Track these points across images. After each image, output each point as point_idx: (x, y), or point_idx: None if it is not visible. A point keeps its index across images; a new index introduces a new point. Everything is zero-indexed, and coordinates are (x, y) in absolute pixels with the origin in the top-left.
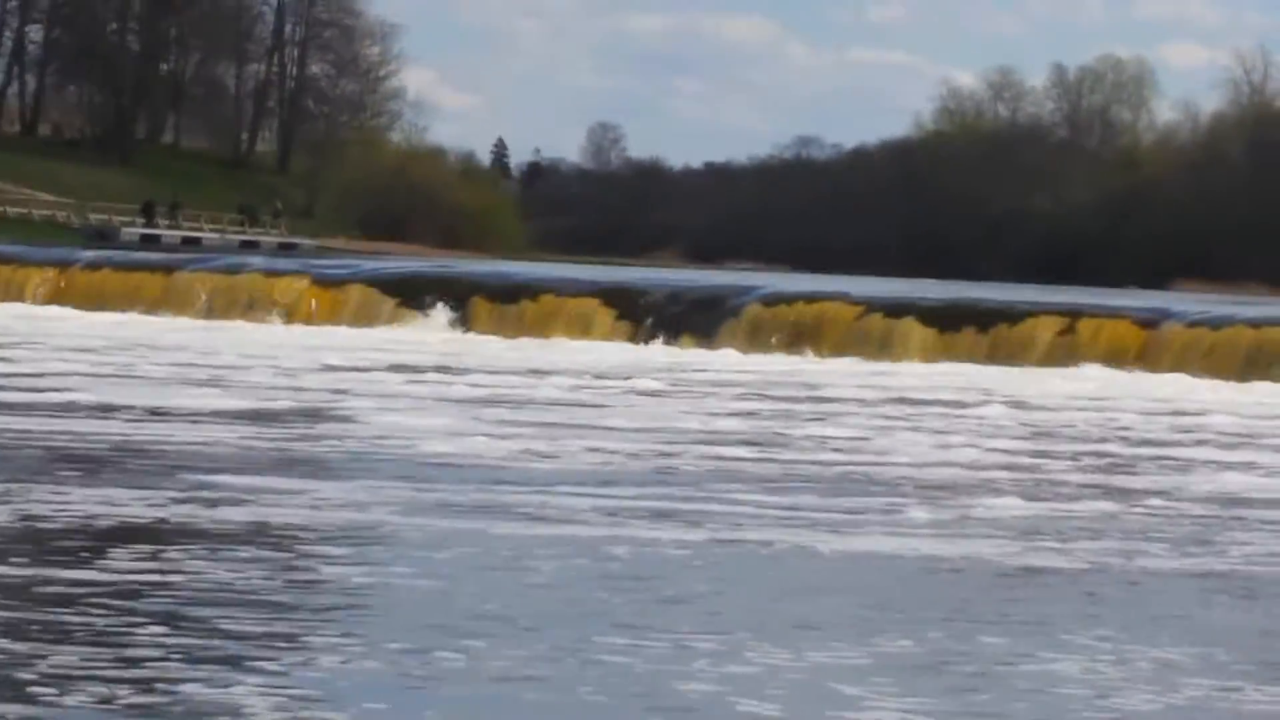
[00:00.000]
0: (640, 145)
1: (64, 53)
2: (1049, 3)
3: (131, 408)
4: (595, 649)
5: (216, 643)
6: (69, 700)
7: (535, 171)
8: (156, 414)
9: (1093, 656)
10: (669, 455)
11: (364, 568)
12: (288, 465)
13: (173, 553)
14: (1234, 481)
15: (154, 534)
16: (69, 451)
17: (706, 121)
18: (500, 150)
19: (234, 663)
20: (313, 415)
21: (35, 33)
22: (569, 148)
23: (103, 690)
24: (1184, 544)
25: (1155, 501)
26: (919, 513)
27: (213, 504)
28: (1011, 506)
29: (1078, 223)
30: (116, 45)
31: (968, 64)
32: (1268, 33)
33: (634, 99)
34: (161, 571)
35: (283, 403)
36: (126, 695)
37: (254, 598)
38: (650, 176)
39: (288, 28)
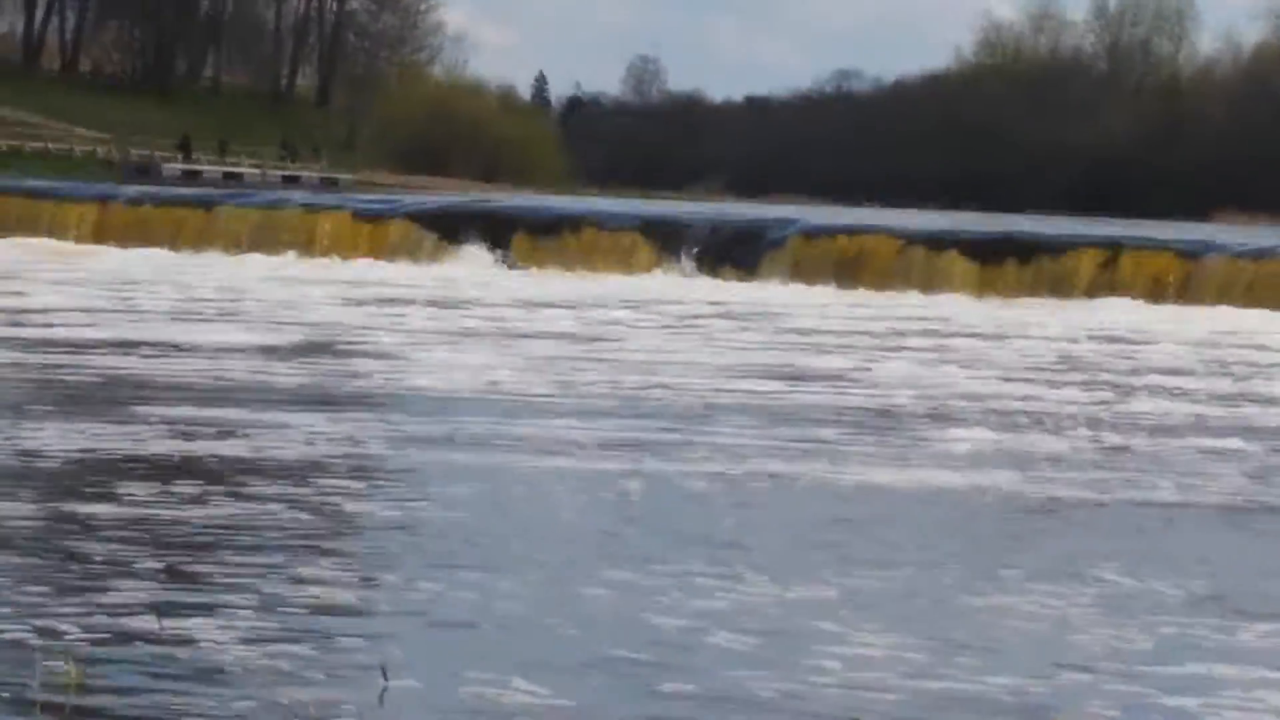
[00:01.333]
0: (679, 79)
1: None
2: None
3: (152, 343)
4: (585, 583)
5: (204, 574)
6: (10, 631)
7: (575, 105)
8: (177, 348)
9: (1085, 590)
10: (697, 390)
11: (369, 503)
12: (308, 399)
13: (167, 488)
14: (1255, 415)
15: (158, 469)
16: (78, 386)
17: (745, 55)
18: (540, 84)
19: (210, 596)
20: (341, 351)
21: None
22: (609, 82)
23: (56, 626)
24: (1188, 476)
25: (1170, 435)
26: (940, 445)
27: (222, 436)
28: (1029, 440)
29: (1118, 155)
30: None
31: None
32: None
33: (672, 32)
34: (152, 506)
35: (311, 337)
36: (77, 629)
37: (245, 534)
38: (690, 110)
39: None
